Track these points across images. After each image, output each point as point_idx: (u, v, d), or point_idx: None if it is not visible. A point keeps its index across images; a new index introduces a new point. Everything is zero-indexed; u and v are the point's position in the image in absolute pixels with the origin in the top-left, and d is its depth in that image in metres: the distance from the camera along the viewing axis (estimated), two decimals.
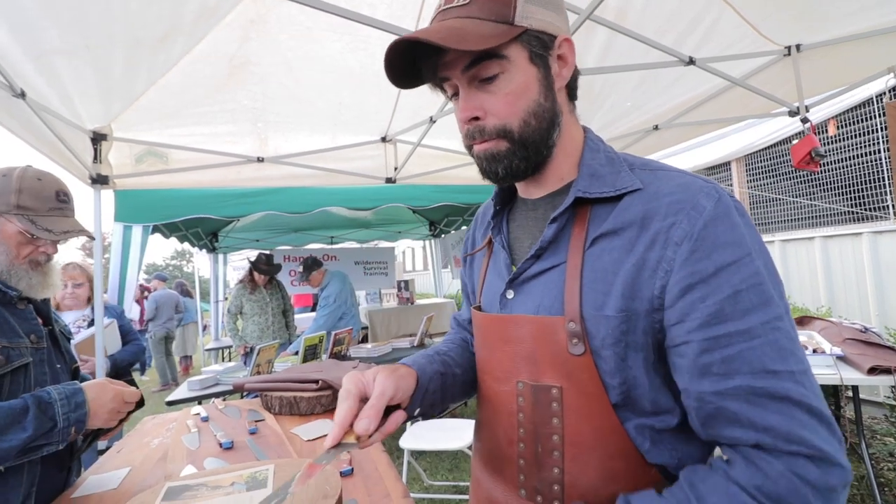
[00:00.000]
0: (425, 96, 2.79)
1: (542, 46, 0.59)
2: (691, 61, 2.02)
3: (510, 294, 0.67)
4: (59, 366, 1.18)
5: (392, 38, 1.81)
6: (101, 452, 1.67)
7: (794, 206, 4.98)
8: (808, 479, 0.47)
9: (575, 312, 0.58)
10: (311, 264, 4.50)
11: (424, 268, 14.54)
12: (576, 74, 0.65)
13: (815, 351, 2.38)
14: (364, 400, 0.59)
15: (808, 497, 0.46)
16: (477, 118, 0.61)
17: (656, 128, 3.01)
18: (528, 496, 0.63)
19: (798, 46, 2.27)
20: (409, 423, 1.13)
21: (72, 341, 1.36)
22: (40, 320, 1.17)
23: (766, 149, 5.20)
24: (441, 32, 0.54)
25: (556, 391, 0.60)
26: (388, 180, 3.41)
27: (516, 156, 0.61)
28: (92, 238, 1.29)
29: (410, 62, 0.62)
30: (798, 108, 2.41)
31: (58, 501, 1.09)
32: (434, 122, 2.76)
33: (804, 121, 2.40)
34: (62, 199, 1.17)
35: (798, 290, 4.67)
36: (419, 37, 0.54)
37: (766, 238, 5.10)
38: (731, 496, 0.48)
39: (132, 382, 1.27)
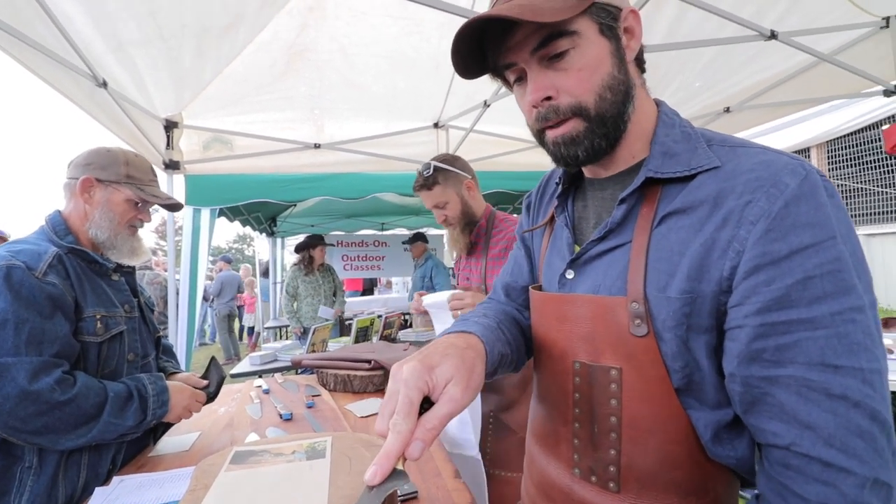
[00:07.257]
0: (479, 80, 2.74)
1: (610, 18, 0.57)
2: (773, 35, 1.84)
3: (570, 274, 0.66)
4: (145, 335, 1.28)
5: (446, 17, 1.79)
6: None
7: (882, 198, 4.52)
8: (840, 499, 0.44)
9: (639, 293, 0.56)
10: (419, 237, 5.21)
11: None
12: (641, 48, 0.62)
13: None
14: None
15: None
16: (549, 98, 0.58)
17: (727, 110, 2.79)
18: (583, 475, 0.63)
19: None
20: None
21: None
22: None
23: (850, 134, 4.72)
24: (513, 9, 0.52)
25: (614, 372, 0.58)
26: None
27: (596, 134, 0.58)
28: (181, 206, 1.41)
29: (478, 49, 0.61)
30: None
31: (139, 458, 1.20)
32: (488, 105, 2.71)
33: None
34: (154, 174, 1.31)
35: (884, 289, 4.25)
36: (491, 14, 0.53)
37: None
38: None
39: (217, 366, 1.37)
